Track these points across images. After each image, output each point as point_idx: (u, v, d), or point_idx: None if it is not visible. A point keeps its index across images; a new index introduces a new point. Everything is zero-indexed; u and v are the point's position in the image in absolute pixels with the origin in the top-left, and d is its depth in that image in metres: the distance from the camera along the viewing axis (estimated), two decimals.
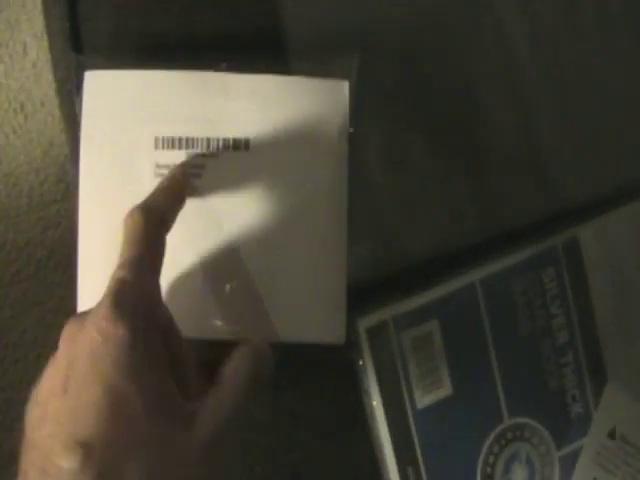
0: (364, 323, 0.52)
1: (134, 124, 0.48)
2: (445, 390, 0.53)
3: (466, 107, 0.58)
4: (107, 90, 0.49)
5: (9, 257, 1.05)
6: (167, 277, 0.46)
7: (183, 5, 0.55)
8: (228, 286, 0.48)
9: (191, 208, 0.46)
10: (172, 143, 0.48)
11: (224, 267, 0.48)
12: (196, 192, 0.47)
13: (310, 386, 0.53)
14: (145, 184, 0.46)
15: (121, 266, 0.39)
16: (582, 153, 0.59)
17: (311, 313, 0.48)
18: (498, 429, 0.55)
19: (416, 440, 0.53)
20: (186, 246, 0.47)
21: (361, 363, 0.52)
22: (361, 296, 0.52)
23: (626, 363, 0.57)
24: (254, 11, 0.54)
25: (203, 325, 0.48)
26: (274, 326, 0.48)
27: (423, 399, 0.53)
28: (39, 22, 1.14)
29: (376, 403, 0.52)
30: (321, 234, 0.48)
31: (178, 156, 0.48)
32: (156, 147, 0.48)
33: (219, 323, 0.48)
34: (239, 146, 0.48)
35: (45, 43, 1.10)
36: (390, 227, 0.55)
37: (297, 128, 0.48)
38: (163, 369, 0.37)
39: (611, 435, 0.57)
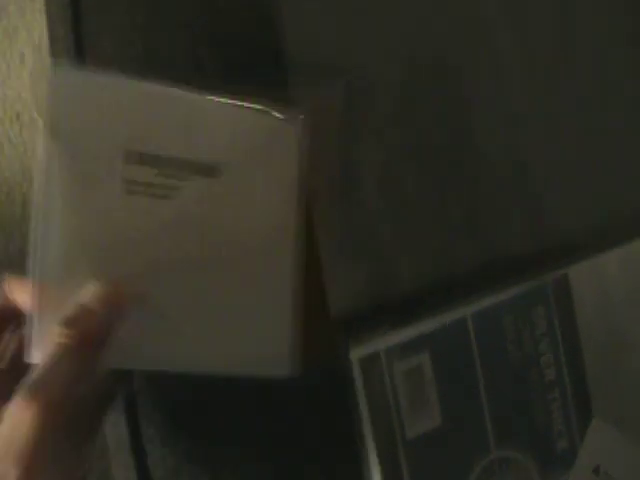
0: (357, 353, 0.53)
1: (105, 131, 0.45)
2: (434, 421, 0.54)
3: (460, 140, 0.59)
4: (77, 91, 0.45)
5: (1, 267, 1.05)
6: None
7: (182, 21, 0.56)
8: (177, 314, 0.46)
9: (155, 228, 0.45)
10: (144, 159, 0.45)
11: (176, 294, 0.46)
12: (162, 214, 0.45)
13: (300, 408, 0.54)
14: (112, 199, 0.44)
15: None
16: (576, 188, 0.60)
17: (255, 346, 0.47)
18: (485, 461, 0.56)
19: (405, 469, 0.54)
20: (142, 267, 0.45)
21: (352, 393, 0.53)
22: (355, 325, 0.53)
23: (612, 400, 0.59)
24: (253, 27, 0.55)
25: (154, 356, 0.46)
26: (222, 358, 0.46)
27: (413, 429, 0.54)
28: (38, 33, 1.15)
29: (367, 432, 0.53)
30: (266, 266, 0.47)
31: (148, 174, 0.45)
32: (127, 161, 0.45)
33: (170, 354, 0.46)
34: (209, 173, 0.47)
35: (42, 54, 1.11)
36: (384, 258, 0.57)
37: (254, 164, 0.47)
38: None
39: (595, 471, 0.58)
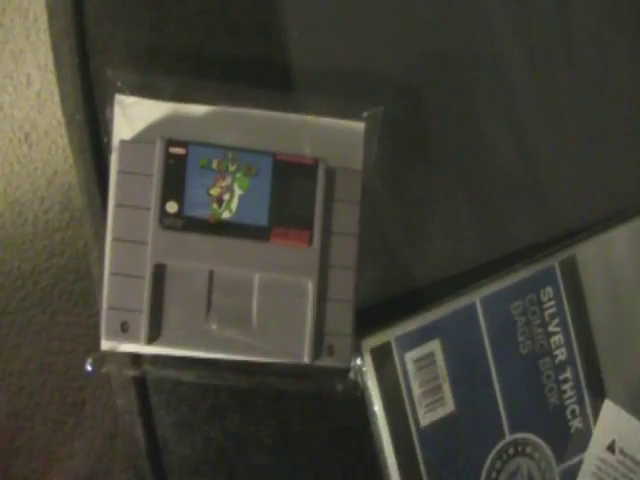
0: (368, 344, 0.53)
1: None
2: (448, 408, 0.54)
3: (466, 134, 0.60)
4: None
5: (15, 285, 1.06)
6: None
7: (192, 38, 0.57)
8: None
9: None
10: None
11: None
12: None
13: (314, 407, 0.54)
14: None
15: None
16: (579, 173, 0.61)
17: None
18: (500, 445, 0.56)
19: (420, 458, 0.54)
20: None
21: (366, 383, 0.53)
22: (366, 318, 0.53)
23: (624, 378, 0.59)
24: (262, 44, 0.56)
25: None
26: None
27: (426, 417, 0.54)
28: (43, 54, 1.16)
29: (381, 422, 0.53)
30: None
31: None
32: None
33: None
34: None
35: (49, 74, 1.13)
36: (393, 251, 0.57)
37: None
38: None
39: (610, 449, 0.58)
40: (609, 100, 0.62)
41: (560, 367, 0.57)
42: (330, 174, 0.51)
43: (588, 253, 0.58)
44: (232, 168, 0.50)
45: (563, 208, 0.60)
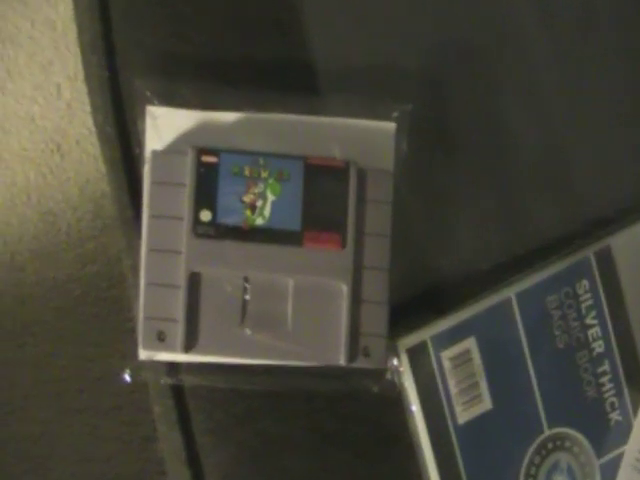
0: (404, 344, 0.53)
1: None
2: (485, 405, 0.54)
3: (490, 125, 0.59)
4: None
5: (49, 294, 1.07)
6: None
7: (214, 44, 0.58)
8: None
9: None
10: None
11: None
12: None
13: (347, 407, 0.55)
14: None
15: None
16: (608, 160, 0.60)
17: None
18: (539, 440, 0.56)
19: (459, 455, 0.54)
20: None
21: (403, 383, 0.53)
22: (399, 317, 0.54)
23: None
24: (284, 45, 0.56)
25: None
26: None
27: (464, 415, 0.54)
28: (72, 64, 1.18)
29: (419, 421, 0.53)
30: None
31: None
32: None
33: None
34: None
35: (79, 84, 1.14)
36: (422, 248, 0.57)
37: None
38: None
39: None
40: (635, 87, 0.62)
41: (598, 360, 0.57)
42: (361, 176, 0.51)
43: (623, 243, 0.58)
44: (264, 174, 0.50)
45: (592, 197, 0.60)
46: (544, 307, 0.56)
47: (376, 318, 0.51)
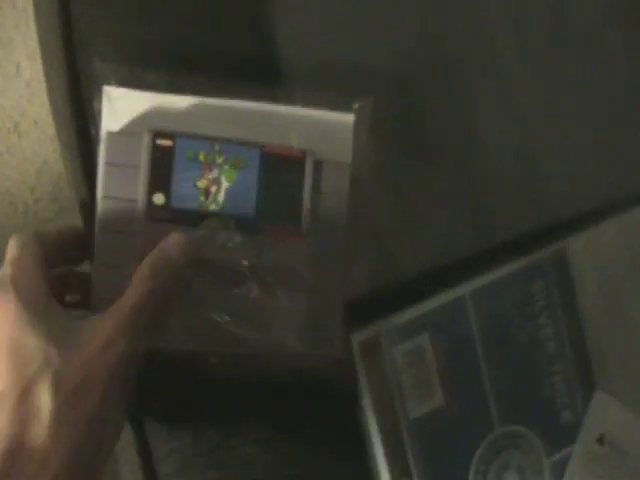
0: (358, 337, 0.53)
1: None
2: (437, 401, 0.54)
3: (460, 125, 0.60)
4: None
5: None
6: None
7: (181, 32, 0.57)
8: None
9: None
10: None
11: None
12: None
13: (307, 402, 0.54)
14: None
15: None
16: (571, 165, 0.61)
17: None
18: (489, 437, 0.56)
19: (409, 450, 0.54)
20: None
21: (355, 376, 0.53)
22: (355, 310, 0.53)
23: (614, 371, 0.59)
24: (252, 37, 0.56)
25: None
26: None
27: (416, 410, 0.54)
28: (32, 43, 1.16)
29: (370, 414, 0.53)
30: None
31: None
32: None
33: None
34: None
35: (38, 64, 1.12)
36: (385, 242, 0.57)
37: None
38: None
39: (600, 441, 0.58)
40: (601, 92, 0.63)
41: (550, 359, 0.57)
42: (318, 167, 0.50)
43: (578, 246, 0.58)
44: (219, 160, 0.49)
45: (554, 200, 0.60)
46: (498, 306, 0.56)
47: (331, 308, 0.51)
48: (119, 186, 0.49)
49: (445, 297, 0.55)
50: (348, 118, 0.52)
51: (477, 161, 0.59)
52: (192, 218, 0.49)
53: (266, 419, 0.55)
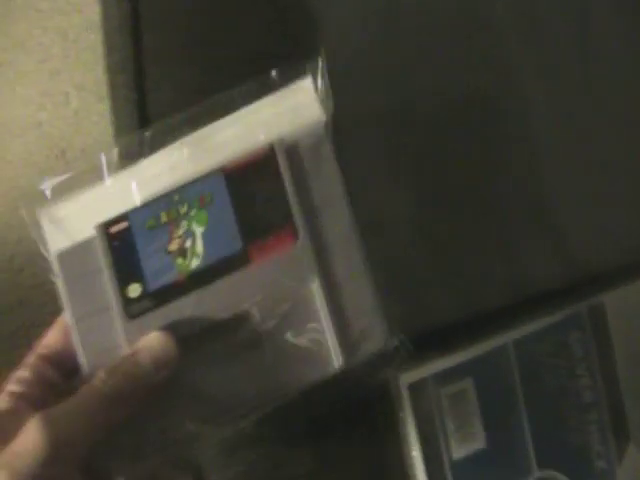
0: (406, 379, 0.56)
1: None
2: (479, 443, 0.57)
3: (491, 172, 0.62)
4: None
5: (45, 298, 1.08)
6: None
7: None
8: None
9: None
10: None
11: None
12: None
13: (356, 435, 0.57)
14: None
15: None
16: (608, 220, 0.63)
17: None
18: None
19: None
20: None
21: (402, 416, 0.56)
22: (401, 353, 0.56)
23: None
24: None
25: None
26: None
27: (459, 450, 0.57)
28: (80, 73, 1.20)
29: (415, 453, 0.56)
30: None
31: None
32: None
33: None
34: None
35: (86, 94, 1.16)
36: (423, 289, 0.60)
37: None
38: None
39: None
40: (632, 136, 0.65)
41: (586, 409, 0.60)
42: (292, 151, 0.44)
43: (616, 301, 0.61)
44: (183, 210, 0.43)
45: (591, 252, 0.63)
46: (538, 355, 0.59)
47: (362, 295, 0.44)
48: (88, 299, 0.44)
49: (489, 344, 0.58)
50: (305, 82, 0.45)
51: (512, 212, 0.62)
52: (177, 290, 0.43)
53: (307, 451, 0.58)
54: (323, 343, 0.43)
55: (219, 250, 0.43)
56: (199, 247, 0.43)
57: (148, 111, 0.62)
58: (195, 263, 0.43)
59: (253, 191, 0.43)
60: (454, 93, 0.62)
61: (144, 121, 0.61)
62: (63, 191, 0.45)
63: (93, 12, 1.22)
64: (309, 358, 0.43)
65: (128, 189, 0.44)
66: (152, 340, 0.42)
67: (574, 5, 0.65)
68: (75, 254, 0.44)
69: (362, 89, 0.60)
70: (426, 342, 0.58)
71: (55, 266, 0.44)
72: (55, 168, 1.15)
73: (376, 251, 0.58)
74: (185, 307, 0.43)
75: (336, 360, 0.43)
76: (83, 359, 0.43)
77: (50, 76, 1.21)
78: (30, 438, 0.38)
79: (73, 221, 0.44)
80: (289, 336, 0.44)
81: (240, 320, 0.43)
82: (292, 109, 0.45)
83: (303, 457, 0.57)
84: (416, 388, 0.56)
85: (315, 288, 0.43)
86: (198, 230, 0.43)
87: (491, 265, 0.61)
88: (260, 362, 0.44)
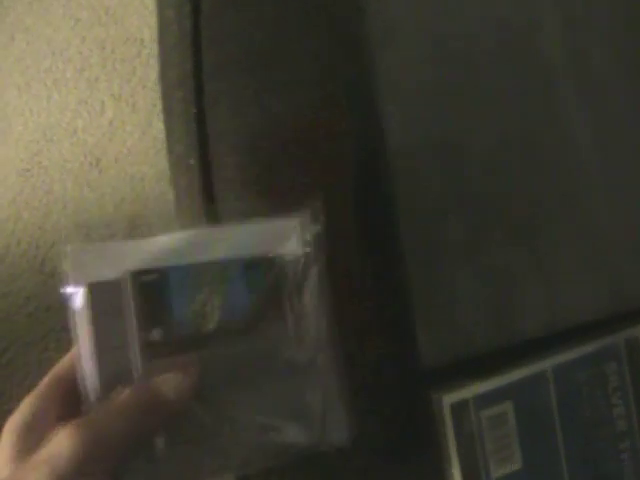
0: (448, 400, 0.58)
1: None
2: (516, 464, 0.59)
3: (539, 206, 0.65)
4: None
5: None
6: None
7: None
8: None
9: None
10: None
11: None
12: None
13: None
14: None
15: None
16: None
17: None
18: None
19: None
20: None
21: (443, 435, 0.58)
22: (443, 375, 0.58)
23: None
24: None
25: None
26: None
27: (497, 471, 0.59)
28: (117, 84, 1.22)
29: (455, 471, 0.58)
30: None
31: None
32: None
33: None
34: None
35: (122, 104, 1.18)
36: (465, 316, 0.62)
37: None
38: None
39: None
40: None
41: (620, 437, 0.62)
42: (287, 265, 0.52)
43: None
44: (207, 279, 0.49)
45: (630, 283, 0.65)
46: (575, 382, 0.61)
47: (333, 390, 0.51)
48: (112, 335, 0.47)
49: (529, 369, 0.60)
50: (294, 221, 0.53)
51: (553, 241, 0.64)
52: (192, 343, 0.48)
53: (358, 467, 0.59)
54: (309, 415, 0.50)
55: (232, 322, 0.49)
56: (217, 313, 0.49)
57: (207, 127, 0.64)
58: (210, 326, 0.48)
59: (265, 282, 0.51)
60: (510, 129, 0.64)
61: (203, 137, 0.63)
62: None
63: (131, 25, 1.25)
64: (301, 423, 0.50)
65: (155, 249, 0.49)
66: (168, 378, 0.46)
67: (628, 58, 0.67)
68: (105, 289, 0.47)
69: (422, 123, 0.62)
70: (468, 365, 0.61)
71: (83, 296, 0.46)
72: (89, 176, 1.17)
73: (424, 276, 0.61)
74: (199, 360, 0.47)
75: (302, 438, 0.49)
76: (96, 388, 0.46)
77: (87, 85, 1.23)
78: (65, 440, 0.42)
79: (104, 262, 0.48)
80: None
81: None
82: (282, 238, 0.52)
83: (346, 474, 0.59)
84: (458, 409, 0.58)
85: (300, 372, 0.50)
86: (217, 299, 0.49)
87: (536, 295, 0.63)
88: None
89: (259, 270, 0.51)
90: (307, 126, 0.61)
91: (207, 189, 0.63)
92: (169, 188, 1.02)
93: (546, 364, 0.61)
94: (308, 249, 0.52)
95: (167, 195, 1.07)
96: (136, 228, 1.12)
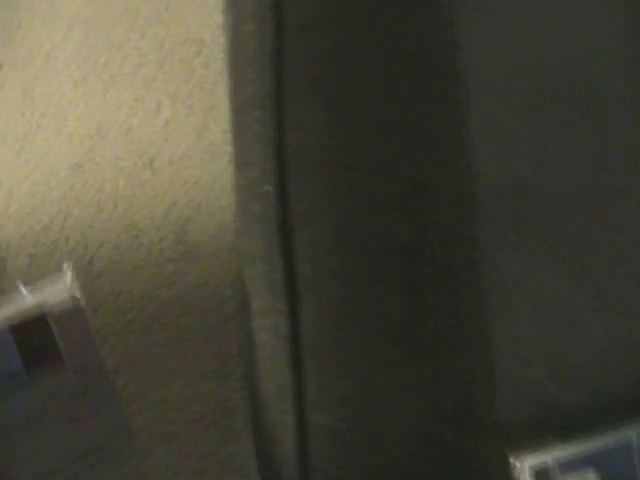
0: (529, 462, 0.55)
1: None
2: None
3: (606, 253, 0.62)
4: None
5: (123, 307, 1.09)
6: None
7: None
8: None
9: None
10: None
11: None
12: None
13: None
14: None
15: None
16: None
17: None
18: None
19: None
20: None
21: None
22: (523, 436, 0.56)
23: None
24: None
25: None
26: None
27: None
28: (173, 84, 1.20)
29: None
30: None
31: None
32: None
33: None
34: None
35: (179, 105, 1.16)
36: (544, 376, 0.59)
37: None
38: None
39: None
40: None
41: None
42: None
43: None
44: None
45: None
46: None
47: None
48: None
49: (612, 437, 0.57)
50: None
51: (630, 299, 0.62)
52: None
53: None
54: None
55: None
56: None
57: (287, 154, 0.61)
58: None
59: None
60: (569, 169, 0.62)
61: (283, 163, 0.61)
62: None
63: (193, 25, 1.23)
64: None
65: None
66: None
67: None
68: None
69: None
70: (548, 427, 0.58)
71: None
72: (141, 177, 1.15)
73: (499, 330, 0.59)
74: None
75: None
76: None
77: (144, 83, 1.21)
78: None
79: None
80: None
81: None
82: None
83: None
84: (539, 473, 0.56)
85: None
86: None
87: (615, 356, 0.61)
88: None
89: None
90: None
91: (284, 219, 0.60)
92: (223, 195, 1.01)
93: (631, 432, 0.58)
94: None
95: (220, 202, 1.06)
96: (187, 233, 1.10)
